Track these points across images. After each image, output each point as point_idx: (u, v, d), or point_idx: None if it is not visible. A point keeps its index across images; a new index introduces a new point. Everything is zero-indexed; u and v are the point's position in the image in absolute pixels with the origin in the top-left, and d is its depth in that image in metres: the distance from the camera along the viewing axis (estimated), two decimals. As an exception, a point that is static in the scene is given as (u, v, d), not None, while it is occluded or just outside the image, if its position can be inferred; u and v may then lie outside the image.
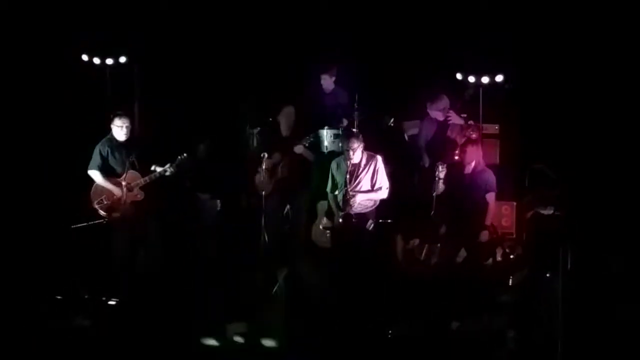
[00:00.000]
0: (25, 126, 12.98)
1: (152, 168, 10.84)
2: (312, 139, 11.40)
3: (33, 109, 13.09)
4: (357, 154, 10.65)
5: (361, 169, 10.69)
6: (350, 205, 10.63)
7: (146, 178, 10.85)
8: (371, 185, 10.71)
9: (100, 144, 10.96)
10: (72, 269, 11.16)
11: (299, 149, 11.40)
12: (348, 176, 10.65)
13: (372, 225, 10.69)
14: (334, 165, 10.90)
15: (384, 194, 10.76)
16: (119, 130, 10.87)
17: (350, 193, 10.60)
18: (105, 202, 10.85)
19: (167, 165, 10.85)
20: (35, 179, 12.67)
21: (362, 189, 10.72)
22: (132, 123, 11.02)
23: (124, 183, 10.76)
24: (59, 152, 12.65)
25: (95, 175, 10.91)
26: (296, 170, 11.47)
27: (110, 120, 10.94)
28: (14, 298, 10.48)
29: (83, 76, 13.05)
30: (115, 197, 10.82)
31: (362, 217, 10.66)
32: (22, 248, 11.58)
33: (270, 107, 11.82)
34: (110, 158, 10.92)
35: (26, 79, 13.07)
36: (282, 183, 11.31)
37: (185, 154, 10.94)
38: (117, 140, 10.93)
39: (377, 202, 10.79)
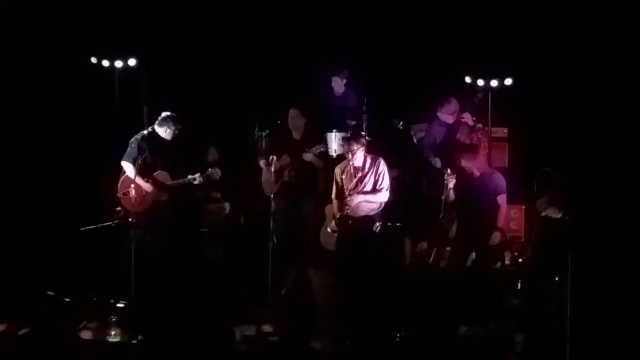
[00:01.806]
0: (34, 128, 13.02)
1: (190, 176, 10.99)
2: (322, 149, 11.36)
3: (42, 111, 13.13)
4: (358, 157, 10.53)
5: (365, 171, 10.59)
6: (348, 206, 10.55)
7: (175, 182, 10.98)
8: (373, 186, 10.63)
9: (140, 138, 11.03)
10: (80, 271, 11.18)
11: (308, 157, 11.33)
12: (345, 177, 10.57)
13: (379, 227, 10.59)
14: (337, 170, 10.79)
15: (384, 196, 10.59)
16: (171, 132, 10.98)
17: (347, 193, 10.52)
18: (132, 195, 10.91)
19: (197, 175, 10.98)
20: (43, 181, 12.70)
21: (366, 190, 10.61)
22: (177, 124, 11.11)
23: (149, 187, 10.84)
24: (68, 155, 12.67)
25: (128, 167, 10.96)
26: (303, 175, 11.41)
27: (167, 120, 11.02)
28: (20, 299, 10.52)
29: (91, 78, 13.06)
30: (142, 191, 10.88)
31: (369, 219, 10.58)
32: (31, 250, 11.63)
33: (278, 110, 11.79)
34: (148, 155, 10.95)
35: (36, 81, 13.12)
36: (288, 186, 11.25)
37: (217, 168, 11.07)
38: (160, 140, 11.02)
39: (383, 204, 10.68)
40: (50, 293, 10.80)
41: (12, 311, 10.22)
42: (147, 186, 10.88)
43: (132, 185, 10.86)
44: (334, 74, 12.83)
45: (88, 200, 11.32)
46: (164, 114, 11.07)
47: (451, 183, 10.78)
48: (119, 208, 11.03)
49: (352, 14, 13.26)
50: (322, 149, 11.30)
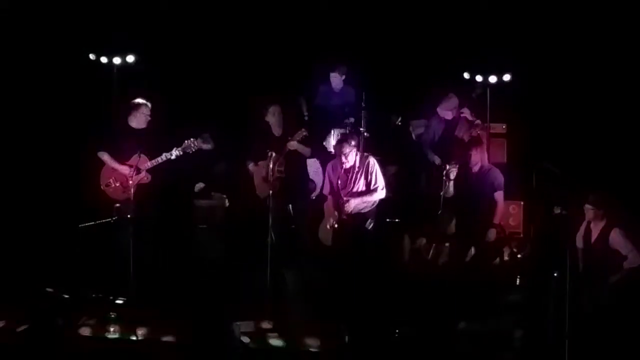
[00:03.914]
0: (31, 125, 13.03)
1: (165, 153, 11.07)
2: (305, 133, 11.32)
3: (40, 108, 13.14)
4: (351, 158, 10.48)
5: (356, 171, 10.54)
6: (345, 210, 10.48)
7: (153, 161, 11.04)
8: (366, 185, 10.55)
9: (112, 127, 11.30)
10: (79, 267, 11.20)
11: (292, 145, 11.31)
12: (340, 180, 10.52)
13: (372, 224, 10.55)
14: (329, 168, 10.73)
15: (380, 194, 10.55)
16: (143, 117, 11.14)
17: (345, 198, 10.46)
18: (114, 185, 11.05)
19: (174, 149, 11.04)
20: (41, 177, 12.71)
21: (359, 190, 10.56)
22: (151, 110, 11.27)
23: (129, 171, 10.93)
24: (66, 151, 12.67)
25: (104, 156, 11.11)
26: (292, 168, 11.37)
27: (134, 107, 11.16)
28: (20, 297, 10.53)
29: (90, 75, 13.07)
30: (124, 178, 11.00)
31: (362, 216, 10.54)
32: (30, 247, 11.63)
33: (260, 107, 11.76)
34: (121, 142, 11.12)
35: (35, 78, 13.12)
36: (280, 183, 11.20)
37: (192, 138, 11.09)
38: (130, 127, 11.18)
39: (377, 201, 10.63)
40: (49, 290, 10.82)
41: (11, 308, 10.24)
42: (126, 170, 10.99)
43: (113, 177, 11.05)
44: (332, 70, 12.83)
45: (87, 197, 11.32)
46: (132, 102, 11.22)
47: (452, 174, 10.78)
48: (117, 205, 11.08)
49: (351, 11, 13.25)
50: (304, 134, 11.27)
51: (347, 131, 12.32)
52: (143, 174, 11.00)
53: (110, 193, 11.12)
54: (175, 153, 11.02)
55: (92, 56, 12.92)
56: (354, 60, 12.91)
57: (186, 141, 11.04)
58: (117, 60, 12.80)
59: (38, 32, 13.19)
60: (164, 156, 11.02)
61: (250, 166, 11.52)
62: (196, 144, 11.11)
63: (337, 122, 12.64)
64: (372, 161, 10.55)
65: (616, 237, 9.88)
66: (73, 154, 12.37)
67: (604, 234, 9.93)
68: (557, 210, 9.86)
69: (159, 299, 10.65)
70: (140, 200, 10.90)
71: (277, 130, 11.49)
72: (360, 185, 10.52)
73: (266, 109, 11.50)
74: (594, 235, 9.99)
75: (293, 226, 11.59)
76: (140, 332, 9.93)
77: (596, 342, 9.21)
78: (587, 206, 10.00)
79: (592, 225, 10.03)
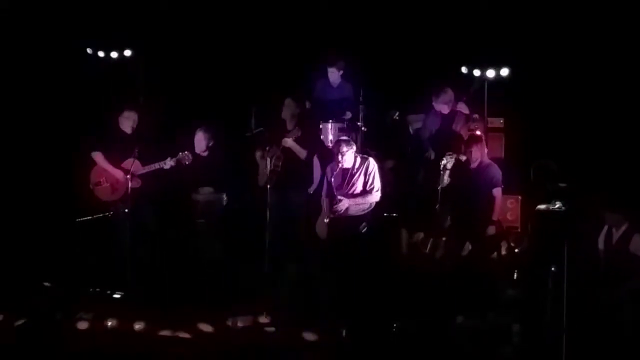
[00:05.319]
0: (29, 119, 13.03)
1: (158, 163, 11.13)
2: (298, 134, 11.37)
3: (37, 102, 13.13)
4: (349, 159, 10.47)
5: (354, 172, 10.52)
6: (338, 210, 10.46)
7: (146, 167, 11.11)
8: (363, 187, 10.51)
9: (106, 129, 11.42)
10: (76, 262, 11.21)
11: (286, 142, 11.35)
12: (334, 180, 10.50)
13: (366, 228, 10.51)
14: (328, 169, 10.71)
15: (375, 197, 10.49)
16: (127, 122, 11.32)
17: (338, 198, 10.45)
18: (104, 184, 11.15)
19: (168, 159, 11.10)
20: (38, 172, 12.71)
21: (356, 192, 10.58)
22: (138, 117, 11.39)
23: (122, 176, 11.00)
24: (64, 146, 12.66)
25: (98, 156, 11.21)
26: (289, 165, 11.38)
27: (119, 112, 11.35)
28: (18, 291, 10.53)
29: (87, 69, 13.06)
30: (115, 180, 11.10)
31: (356, 219, 10.51)
32: (27, 241, 11.63)
33: (275, 102, 11.81)
34: (115, 146, 11.21)
35: (31, 72, 13.12)
36: (277, 176, 11.25)
37: (186, 152, 11.14)
38: (122, 131, 11.31)
39: (373, 205, 10.57)
40: (46, 284, 10.83)
41: (8, 303, 10.24)
42: (117, 173, 11.10)
43: (104, 177, 11.18)
44: (330, 65, 12.82)
45: (84, 192, 11.32)
46: (124, 106, 11.42)
47: (450, 164, 10.78)
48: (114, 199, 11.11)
49: (349, 7, 13.25)
50: (298, 134, 11.31)
51: (345, 126, 12.32)
52: (135, 179, 11.06)
53: (99, 193, 11.17)
54: (169, 163, 11.10)
55: (89, 50, 12.92)
56: (352, 55, 12.89)
57: (180, 153, 11.11)
58: (114, 54, 12.79)
59: (34, 27, 13.18)
60: (158, 164, 11.12)
61: (258, 156, 11.56)
62: (190, 157, 11.14)
63: (334, 117, 12.62)
64: (372, 163, 10.52)
65: (636, 242, 9.75)
66: (69, 150, 12.38)
67: (625, 237, 9.76)
68: (556, 206, 9.85)
69: (156, 293, 10.66)
70: (134, 203, 10.93)
71: (289, 125, 11.58)
72: (358, 186, 10.47)
73: (282, 103, 11.60)
74: (615, 237, 9.86)
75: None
76: (138, 327, 9.93)
77: (594, 337, 9.22)
78: (604, 210, 9.90)
79: (614, 228, 9.94)
